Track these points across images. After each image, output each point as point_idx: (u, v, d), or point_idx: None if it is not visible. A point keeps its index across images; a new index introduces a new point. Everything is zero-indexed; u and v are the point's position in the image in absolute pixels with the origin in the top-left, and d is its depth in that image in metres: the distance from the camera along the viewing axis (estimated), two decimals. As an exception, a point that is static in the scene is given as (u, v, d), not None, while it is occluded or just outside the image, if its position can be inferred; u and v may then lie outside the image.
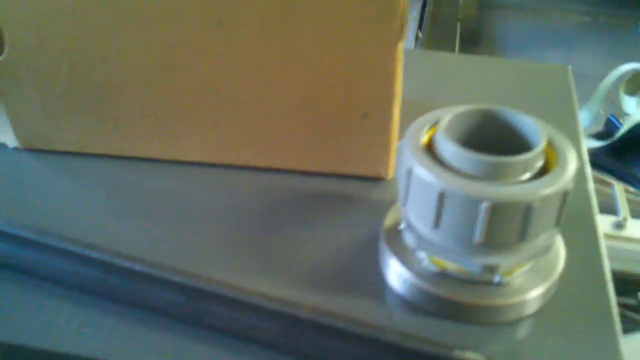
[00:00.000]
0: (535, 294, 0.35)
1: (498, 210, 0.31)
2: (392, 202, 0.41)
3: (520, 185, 0.32)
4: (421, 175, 0.32)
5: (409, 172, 0.33)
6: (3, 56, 0.42)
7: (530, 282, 0.35)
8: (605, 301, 0.36)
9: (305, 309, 0.32)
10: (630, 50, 1.45)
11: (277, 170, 0.45)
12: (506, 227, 0.32)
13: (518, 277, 0.35)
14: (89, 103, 0.43)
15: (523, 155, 0.32)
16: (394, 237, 0.38)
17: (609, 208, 0.88)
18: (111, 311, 0.35)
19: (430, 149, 0.34)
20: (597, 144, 1.20)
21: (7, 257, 0.36)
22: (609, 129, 1.25)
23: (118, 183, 0.45)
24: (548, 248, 0.35)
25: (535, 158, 0.32)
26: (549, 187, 0.31)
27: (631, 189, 1.04)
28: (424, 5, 1.44)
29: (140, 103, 0.43)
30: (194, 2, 0.39)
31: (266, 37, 0.39)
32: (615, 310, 0.36)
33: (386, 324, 0.35)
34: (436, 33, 1.38)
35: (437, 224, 0.33)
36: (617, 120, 1.24)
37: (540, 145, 0.33)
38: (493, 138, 0.35)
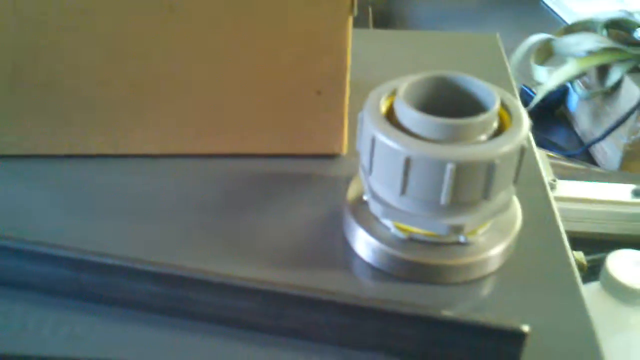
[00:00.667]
0: (497, 251, 0.37)
1: (463, 171, 0.32)
2: (350, 176, 0.42)
3: (481, 145, 0.33)
4: (385, 143, 0.33)
5: (373, 142, 0.34)
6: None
7: (493, 240, 0.37)
8: (563, 253, 0.38)
9: (283, 284, 0.33)
10: (535, 22, 1.51)
11: (235, 156, 0.45)
12: (471, 186, 0.33)
13: (481, 236, 0.37)
14: (33, 103, 0.42)
15: (481, 117, 0.33)
16: (359, 208, 0.38)
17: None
18: (85, 310, 0.34)
19: (390, 117, 0.35)
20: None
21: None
22: (523, 99, 1.30)
23: (69, 182, 0.44)
24: (507, 205, 0.36)
25: (491, 119, 0.34)
26: (508, 145, 0.33)
27: (551, 153, 1.08)
28: None
29: (89, 98, 0.42)
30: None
31: (217, 20, 0.39)
32: (572, 260, 0.38)
33: (359, 292, 0.36)
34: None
35: (403, 190, 0.34)
36: (530, 90, 1.28)
37: (495, 106, 0.34)
38: (449, 103, 0.36)
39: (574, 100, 1.26)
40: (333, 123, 0.43)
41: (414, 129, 0.34)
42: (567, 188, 0.77)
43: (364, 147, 0.35)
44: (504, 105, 0.35)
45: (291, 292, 0.32)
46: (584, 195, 0.75)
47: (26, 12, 0.39)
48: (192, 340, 0.33)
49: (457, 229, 0.35)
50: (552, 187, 0.75)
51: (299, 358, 0.32)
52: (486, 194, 0.33)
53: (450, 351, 0.31)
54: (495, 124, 0.35)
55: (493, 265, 0.37)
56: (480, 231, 0.37)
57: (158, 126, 0.44)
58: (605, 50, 1.14)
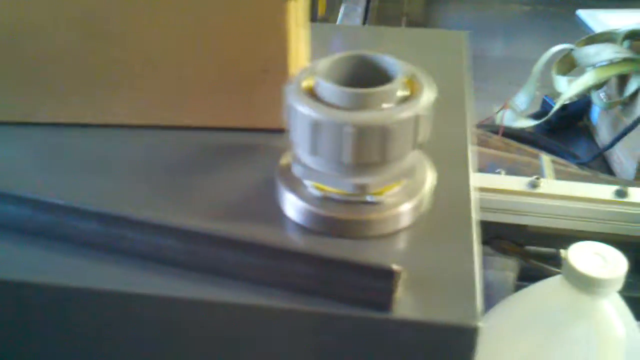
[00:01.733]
0: (404, 209, 0.41)
1: (360, 133, 0.37)
2: (291, 149, 0.47)
3: (378, 111, 0.38)
4: (299, 110, 0.38)
5: (290, 109, 0.39)
6: None
7: (400, 200, 0.41)
8: (466, 217, 0.42)
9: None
10: (568, 35, 1.52)
11: (190, 128, 0.52)
12: (369, 148, 0.38)
13: (389, 196, 0.41)
14: (23, 75, 0.49)
15: (379, 87, 0.38)
16: (287, 172, 0.43)
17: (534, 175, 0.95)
18: (39, 244, 0.40)
19: (311, 92, 0.40)
20: (532, 122, 1.27)
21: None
22: (544, 109, 1.32)
23: (51, 146, 0.51)
24: (411, 170, 0.41)
25: (391, 89, 0.38)
26: (403, 112, 0.37)
27: (560, 160, 1.10)
28: (368, 1, 1.50)
29: (72, 72, 0.49)
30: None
31: (178, 4, 0.46)
32: (474, 227, 0.42)
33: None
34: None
35: (314, 151, 0.39)
36: (552, 100, 1.30)
37: (397, 79, 0.39)
38: (367, 79, 0.41)
39: (596, 112, 1.28)
40: (278, 100, 0.48)
41: (326, 98, 0.39)
42: (551, 186, 0.79)
43: (286, 116, 0.41)
44: (415, 80, 0.40)
45: (206, 232, 0.38)
46: (566, 193, 0.78)
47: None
48: (125, 271, 0.39)
49: (362, 188, 0.40)
50: (535, 185, 0.78)
51: (209, 290, 0.37)
52: (384, 157, 0.38)
53: (336, 288, 0.36)
54: (399, 95, 0.39)
55: (400, 223, 0.41)
56: (388, 192, 0.41)
57: (129, 100, 0.50)
58: (624, 60, 1.16)
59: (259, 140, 0.50)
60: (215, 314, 0.38)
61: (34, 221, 0.40)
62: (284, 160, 0.45)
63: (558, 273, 0.76)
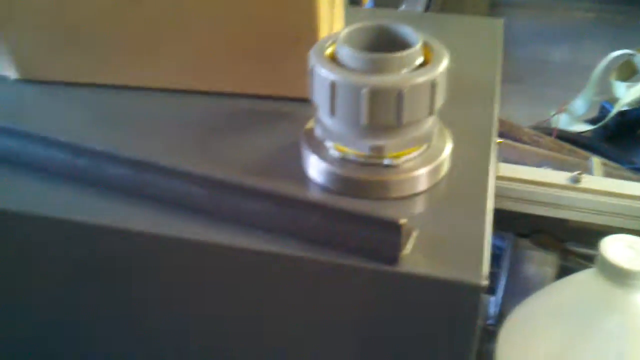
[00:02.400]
0: (420, 173, 0.43)
1: (376, 95, 0.39)
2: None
3: (394, 75, 0.40)
4: (318, 72, 0.41)
5: (312, 73, 0.41)
6: (0, -2, 0.52)
7: (417, 165, 0.43)
8: (482, 191, 0.44)
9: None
10: (631, 43, 1.50)
11: (223, 94, 0.54)
12: (384, 110, 0.40)
13: (406, 161, 0.43)
14: (73, 36, 0.53)
15: (397, 53, 0.40)
16: (310, 135, 0.46)
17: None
18: (78, 187, 0.44)
19: (333, 58, 0.42)
20: (588, 127, 1.26)
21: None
22: (602, 114, 1.30)
23: (92, 104, 0.55)
24: (427, 137, 0.42)
25: (409, 56, 0.40)
26: (419, 77, 0.39)
27: (615, 164, 1.09)
28: (427, 6, 1.51)
29: (115, 35, 0.52)
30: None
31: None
32: (488, 198, 0.43)
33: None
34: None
35: (332, 111, 0.41)
36: (611, 106, 1.29)
37: (413, 46, 0.40)
38: (386, 47, 0.42)
39: (656, 119, 1.26)
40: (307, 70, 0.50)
41: (347, 63, 0.41)
42: (593, 182, 0.79)
43: (309, 80, 0.43)
44: (431, 50, 0.42)
45: (227, 179, 0.40)
46: (608, 189, 0.78)
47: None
48: (152, 215, 0.42)
49: (379, 149, 0.41)
50: (577, 180, 0.78)
51: (228, 235, 0.40)
52: (399, 120, 0.40)
53: (346, 238, 0.38)
54: (417, 62, 0.41)
55: (416, 187, 0.43)
56: (406, 157, 0.43)
57: (158, 64, 0.54)
58: (686, 67, 1.14)
59: (288, 108, 0.53)
60: (233, 259, 0.40)
61: (73, 165, 0.43)
62: (309, 125, 0.47)
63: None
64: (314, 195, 0.43)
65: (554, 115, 1.27)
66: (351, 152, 0.43)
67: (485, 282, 0.37)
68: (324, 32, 0.50)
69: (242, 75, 0.53)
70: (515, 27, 1.73)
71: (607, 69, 1.24)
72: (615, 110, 1.21)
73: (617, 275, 0.64)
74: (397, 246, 0.37)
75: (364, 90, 0.39)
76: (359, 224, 0.38)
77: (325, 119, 0.43)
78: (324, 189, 0.44)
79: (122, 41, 0.53)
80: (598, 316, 0.65)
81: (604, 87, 1.30)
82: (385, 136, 0.41)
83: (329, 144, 0.44)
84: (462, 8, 1.62)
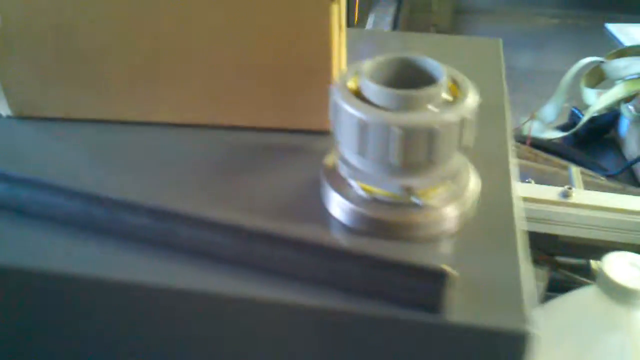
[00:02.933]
0: (450, 214, 0.41)
1: (408, 135, 0.38)
2: (333, 148, 0.47)
3: (425, 113, 0.38)
4: (345, 110, 0.39)
5: (337, 109, 0.40)
6: (-4, 28, 0.49)
7: (446, 204, 0.42)
8: (510, 225, 0.43)
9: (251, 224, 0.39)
10: (597, 48, 1.52)
11: (233, 128, 0.52)
12: (415, 149, 0.38)
13: (435, 199, 0.42)
14: (72, 71, 0.50)
15: (426, 89, 0.38)
16: (332, 172, 0.44)
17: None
18: (93, 239, 0.41)
19: (357, 92, 0.41)
20: (559, 134, 1.27)
21: (3, 197, 0.43)
22: (573, 121, 1.32)
23: (97, 143, 0.52)
24: (457, 173, 0.41)
25: (437, 92, 0.39)
26: (450, 114, 0.38)
27: (590, 172, 1.10)
28: (397, 11, 1.51)
29: (117, 69, 0.50)
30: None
31: (218, 4, 0.46)
32: (519, 231, 0.42)
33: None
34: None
35: (361, 152, 0.39)
36: (581, 112, 1.30)
37: (441, 81, 0.39)
38: (409, 80, 0.41)
39: (624, 124, 1.27)
40: (322, 101, 0.49)
41: (373, 99, 0.39)
42: (583, 196, 0.79)
43: (332, 116, 0.41)
44: (457, 84, 0.41)
45: (258, 229, 0.38)
46: (599, 204, 0.78)
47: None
48: (175, 267, 0.39)
49: (409, 189, 0.40)
50: (568, 195, 0.78)
51: (260, 288, 0.38)
52: (431, 158, 0.39)
53: (386, 288, 0.37)
54: (444, 97, 0.40)
55: (446, 227, 0.42)
56: (435, 195, 0.42)
57: (170, 97, 0.51)
58: (655, 74, 1.16)
59: (301, 141, 0.51)
60: (265, 312, 0.39)
61: (86, 215, 0.41)
62: (329, 160, 0.45)
63: (587, 284, 0.76)
64: (344, 241, 0.41)
65: (524, 122, 1.28)
66: (379, 191, 0.41)
67: (531, 328, 0.35)
68: (335, 62, 0.48)
69: (252, 108, 0.51)
70: (480, 34, 1.74)
71: (578, 76, 1.26)
72: (587, 116, 1.22)
73: (620, 294, 0.64)
74: (442, 295, 0.35)
75: (396, 130, 0.37)
76: (401, 273, 0.36)
77: (350, 158, 0.41)
78: (348, 228, 0.42)
79: (125, 74, 0.50)
80: (600, 334, 0.65)
81: (573, 94, 1.31)
82: (415, 175, 0.40)
83: (353, 182, 0.42)
84: (428, 18, 1.62)
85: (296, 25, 0.46)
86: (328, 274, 0.38)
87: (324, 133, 0.51)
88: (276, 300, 0.38)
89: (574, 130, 1.25)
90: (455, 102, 0.39)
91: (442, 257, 0.41)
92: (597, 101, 1.23)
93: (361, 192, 0.42)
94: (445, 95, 0.40)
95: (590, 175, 1.07)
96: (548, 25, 1.75)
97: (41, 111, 0.52)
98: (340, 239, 0.42)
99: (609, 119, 1.30)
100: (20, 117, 0.53)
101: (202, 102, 0.51)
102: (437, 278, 0.35)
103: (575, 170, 1.02)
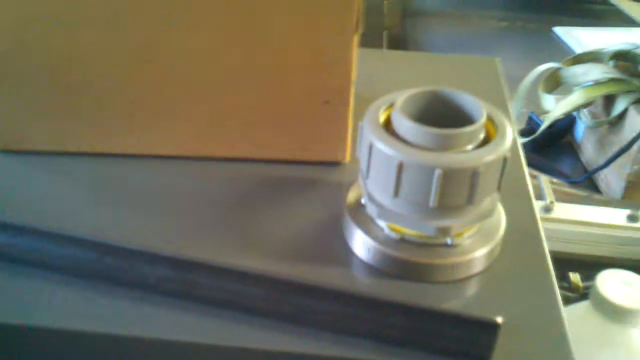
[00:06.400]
0: (482, 253, 0.40)
1: (449, 176, 0.36)
2: (351, 183, 0.45)
3: (467, 153, 0.36)
4: (381, 149, 0.37)
5: (370, 148, 0.38)
6: (-17, 61, 0.44)
7: (478, 243, 0.40)
8: (542, 259, 0.42)
9: (284, 274, 0.36)
10: (546, 51, 1.54)
11: (246, 160, 0.49)
12: (456, 191, 0.36)
13: (467, 239, 0.40)
14: (66, 103, 0.46)
15: (468, 128, 0.37)
16: (357, 210, 0.42)
17: (536, 197, 0.95)
18: (105, 291, 0.38)
19: (387, 127, 0.38)
20: (520, 140, 1.28)
21: (1, 246, 0.39)
22: (531, 126, 1.33)
23: (96, 179, 0.48)
24: (492, 211, 0.39)
25: (478, 130, 0.37)
26: (492, 154, 0.36)
27: (554, 179, 1.11)
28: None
29: (116, 100, 0.46)
30: (168, 4, 0.42)
31: (234, 33, 0.43)
32: (550, 265, 0.41)
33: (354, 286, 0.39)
34: (364, 41, 1.42)
35: (396, 193, 0.37)
36: (538, 117, 1.31)
37: (482, 118, 0.37)
38: (441, 115, 0.39)
39: (580, 129, 1.29)
40: (338, 132, 0.47)
41: (408, 137, 0.37)
42: (565, 210, 0.79)
43: (362, 153, 0.39)
44: (490, 119, 0.39)
45: (292, 279, 0.36)
46: (580, 218, 0.78)
47: (65, 24, 0.43)
48: (200, 321, 0.36)
49: (444, 231, 0.38)
50: (549, 210, 0.78)
51: (295, 341, 0.36)
52: (471, 199, 0.37)
53: (432, 339, 0.35)
54: (481, 135, 0.38)
55: (478, 267, 0.40)
56: (466, 234, 0.40)
57: (176, 129, 0.48)
58: (611, 80, 1.17)
59: (312, 173, 0.49)
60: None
61: (98, 265, 0.38)
62: (352, 196, 0.43)
63: (568, 296, 0.76)
64: (372, 285, 0.39)
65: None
66: (410, 232, 0.39)
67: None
68: (353, 91, 0.46)
69: (263, 139, 0.48)
70: (430, 36, 1.74)
71: (535, 82, 1.27)
72: (546, 123, 1.23)
73: (614, 312, 0.64)
74: (491, 346, 0.34)
75: (438, 172, 0.35)
76: (450, 324, 0.34)
77: (380, 197, 0.39)
78: (374, 269, 0.40)
79: (125, 105, 0.47)
80: (594, 352, 0.65)
81: (530, 99, 1.32)
82: (451, 216, 0.38)
83: (382, 222, 0.40)
84: (381, 20, 1.61)
85: (318, 56, 0.44)
86: (366, 324, 0.35)
87: (335, 164, 0.49)
88: (314, 353, 0.35)
89: (534, 136, 1.26)
90: (494, 140, 0.37)
91: (476, 299, 0.39)
92: (556, 107, 1.24)
93: (389, 233, 0.40)
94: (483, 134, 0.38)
95: (557, 184, 1.08)
96: (497, 28, 1.76)
97: (31, 145, 0.48)
98: (366, 282, 0.40)
99: (565, 124, 1.32)
100: (5, 151, 0.49)
101: (208, 135, 0.48)
102: (488, 329, 0.34)
103: (545, 180, 1.03)
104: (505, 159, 0.37)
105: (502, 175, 0.38)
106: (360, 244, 0.41)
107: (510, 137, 0.38)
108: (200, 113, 0.47)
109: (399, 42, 1.64)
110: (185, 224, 0.44)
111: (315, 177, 0.48)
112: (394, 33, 1.66)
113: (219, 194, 0.47)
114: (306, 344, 0.35)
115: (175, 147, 0.49)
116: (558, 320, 0.37)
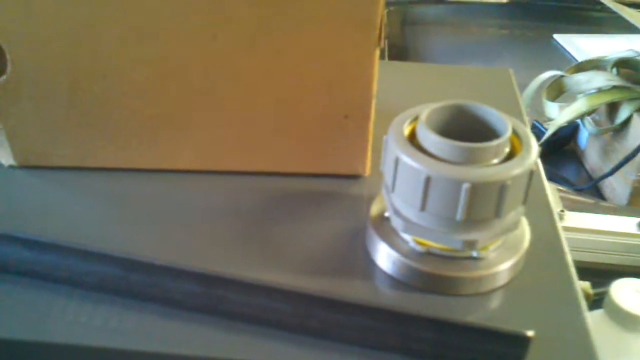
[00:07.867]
0: (507, 266, 0.40)
1: (477, 190, 0.36)
2: (371, 195, 0.45)
3: (494, 167, 0.37)
4: (408, 163, 0.37)
5: (396, 162, 0.38)
6: (5, 76, 0.44)
7: (502, 255, 0.40)
8: (566, 270, 0.42)
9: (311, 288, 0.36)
10: (546, 59, 1.55)
11: (266, 174, 0.49)
12: (484, 204, 0.36)
13: (492, 251, 0.40)
14: (87, 118, 0.46)
15: (495, 142, 0.37)
16: (381, 224, 0.42)
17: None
18: (132, 307, 0.38)
19: (412, 140, 0.39)
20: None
21: (27, 263, 0.39)
22: (534, 133, 1.33)
23: (116, 193, 0.48)
24: (517, 224, 0.40)
25: (504, 144, 0.37)
26: (519, 168, 0.36)
27: (561, 187, 1.11)
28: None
29: (137, 115, 0.46)
30: (191, 19, 0.42)
31: (255, 48, 0.43)
32: (575, 277, 0.41)
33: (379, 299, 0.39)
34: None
35: (423, 207, 0.37)
36: (542, 125, 1.32)
37: (508, 132, 0.38)
38: (465, 129, 0.40)
39: (584, 137, 1.29)
40: (358, 146, 0.47)
41: (434, 151, 0.37)
42: (575, 219, 0.80)
43: (387, 167, 0.39)
44: (514, 132, 0.39)
45: (319, 294, 0.36)
46: (591, 226, 0.78)
47: (86, 40, 0.43)
48: (227, 336, 0.36)
49: (471, 244, 0.38)
50: (561, 218, 0.78)
51: (323, 356, 0.36)
52: (498, 213, 0.37)
53: (463, 353, 0.35)
54: (507, 149, 0.38)
55: (503, 279, 0.40)
56: (492, 247, 0.40)
57: (196, 144, 0.48)
58: (615, 88, 1.18)
59: (332, 186, 0.49)
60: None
61: (125, 281, 0.37)
62: (375, 210, 0.43)
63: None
64: (397, 298, 0.39)
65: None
66: (436, 245, 0.40)
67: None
68: (373, 105, 0.46)
69: (288, 153, 0.48)
70: (430, 46, 1.74)
71: (539, 89, 1.27)
72: (551, 130, 1.23)
73: (628, 321, 0.64)
74: (522, 359, 0.34)
75: (466, 186, 0.35)
76: (479, 338, 0.34)
77: (405, 211, 0.39)
78: (398, 282, 0.40)
79: (147, 120, 0.46)
80: (606, 359, 0.65)
81: (533, 107, 1.32)
82: (478, 229, 0.38)
83: (407, 236, 0.40)
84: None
85: (339, 69, 0.44)
86: (398, 339, 0.35)
87: (354, 177, 0.49)
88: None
89: (538, 143, 1.26)
90: (520, 153, 0.38)
91: (503, 312, 0.39)
92: (560, 115, 1.25)
93: (415, 246, 0.40)
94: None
95: (563, 191, 1.08)
96: (497, 35, 1.77)
97: (50, 160, 0.48)
98: (392, 295, 0.40)
99: (568, 131, 1.32)
100: (25, 167, 0.49)
101: (230, 149, 0.48)
102: (519, 342, 0.34)
103: (551, 188, 1.03)
104: (531, 172, 0.37)
105: (528, 188, 0.38)
106: (385, 257, 0.41)
107: (536, 150, 0.38)
108: (221, 127, 0.47)
109: (399, 52, 1.65)
110: (208, 238, 0.44)
111: (335, 190, 0.48)
112: (394, 42, 1.66)
113: (241, 208, 0.46)
114: (334, 359, 0.35)
115: (196, 161, 0.49)
116: (584, 331, 0.38)
